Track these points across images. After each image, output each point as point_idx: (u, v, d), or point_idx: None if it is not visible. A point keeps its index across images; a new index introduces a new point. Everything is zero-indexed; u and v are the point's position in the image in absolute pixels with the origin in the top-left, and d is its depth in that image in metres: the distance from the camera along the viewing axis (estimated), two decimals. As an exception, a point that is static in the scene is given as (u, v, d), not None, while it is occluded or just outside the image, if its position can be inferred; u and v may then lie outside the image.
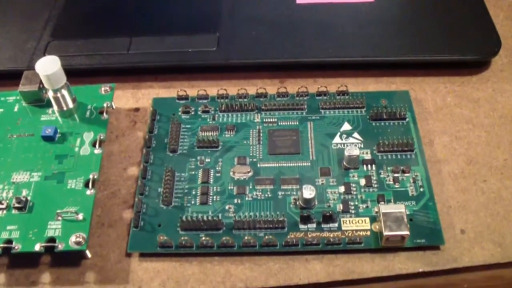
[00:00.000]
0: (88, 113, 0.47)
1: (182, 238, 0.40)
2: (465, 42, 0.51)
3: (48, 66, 0.43)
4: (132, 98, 0.51)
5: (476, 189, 0.44)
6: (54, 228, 0.40)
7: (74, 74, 0.48)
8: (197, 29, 0.54)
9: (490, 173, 0.44)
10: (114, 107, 0.49)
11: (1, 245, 0.39)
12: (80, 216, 0.40)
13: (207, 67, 0.52)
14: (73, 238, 0.39)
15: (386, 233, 0.39)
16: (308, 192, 0.41)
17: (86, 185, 0.42)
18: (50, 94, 0.46)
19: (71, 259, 0.41)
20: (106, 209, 0.44)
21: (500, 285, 0.40)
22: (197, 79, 0.52)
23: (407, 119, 0.47)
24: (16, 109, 0.48)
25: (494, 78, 0.51)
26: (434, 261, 0.40)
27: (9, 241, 0.40)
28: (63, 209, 0.41)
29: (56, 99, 0.46)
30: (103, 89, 0.49)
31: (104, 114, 0.47)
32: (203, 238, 0.40)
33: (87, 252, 0.41)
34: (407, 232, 0.39)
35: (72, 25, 0.56)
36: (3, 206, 0.41)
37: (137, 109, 0.50)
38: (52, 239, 0.40)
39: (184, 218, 0.41)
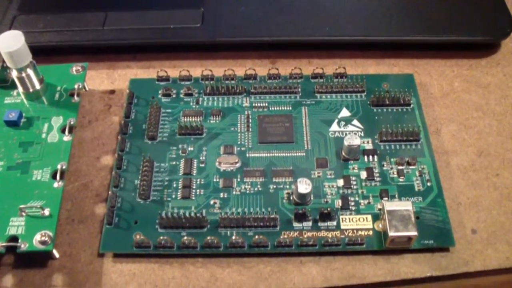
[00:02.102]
0: (57, 95, 0.46)
1: (161, 237, 0.39)
2: (474, 22, 0.50)
3: (11, 42, 0.42)
4: (107, 79, 0.50)
5: (488, 184, 0.42)
6: (16, 226, 0.38)
7: (43, 52, 0.47)
8: (180, 3, 0.52)
9: (503, 166, 0.43)
10: (86, 88, 0.48)
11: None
12: (46, 212, 0.39)
13: (191, 45, 0.51)
14: (37, 237, 0.38)
15: (391, 233, 0.37)
16: (304, 186, 0.39)
17: (54, 176, 0.41)
18: (14, 74, 0.44)
19: (36, 260, 0.39)
20: (76, 203, 0.42)
21: (516, 291, 0.39)
22: (179, 59, 0.51)
23: (411, 105, 0.46)
24: (-24, 90, 0.47)
25: (504, 62, 0.50)
26: (443, 265, 0.38)
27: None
28: (27, 204, 0.39)
29: (21, 80, 0.44)
30: (74, 68, 0.47)
31: (75, 96, 0.45)
32: (185, 237, 0.39)
33: (55, 251, 0.39)
34: (415, 233, 0.37)
35: (42, -3, 0.54)
36: (-41, 200, 0.40)
37: (112, 91, 0.49)
38: (14, 238, 0.38)
39: (163, 214, 0.39)
